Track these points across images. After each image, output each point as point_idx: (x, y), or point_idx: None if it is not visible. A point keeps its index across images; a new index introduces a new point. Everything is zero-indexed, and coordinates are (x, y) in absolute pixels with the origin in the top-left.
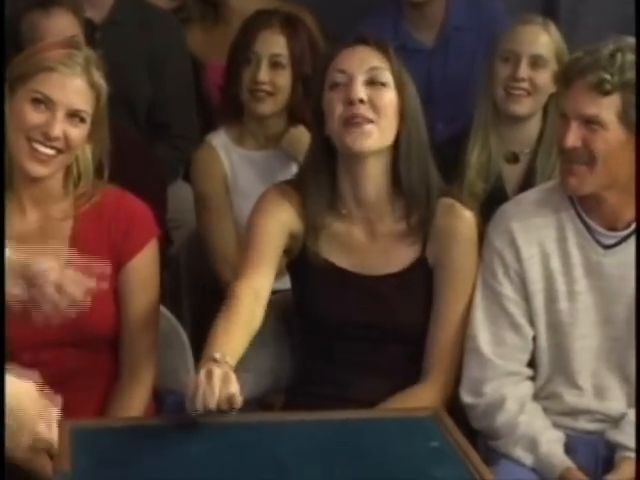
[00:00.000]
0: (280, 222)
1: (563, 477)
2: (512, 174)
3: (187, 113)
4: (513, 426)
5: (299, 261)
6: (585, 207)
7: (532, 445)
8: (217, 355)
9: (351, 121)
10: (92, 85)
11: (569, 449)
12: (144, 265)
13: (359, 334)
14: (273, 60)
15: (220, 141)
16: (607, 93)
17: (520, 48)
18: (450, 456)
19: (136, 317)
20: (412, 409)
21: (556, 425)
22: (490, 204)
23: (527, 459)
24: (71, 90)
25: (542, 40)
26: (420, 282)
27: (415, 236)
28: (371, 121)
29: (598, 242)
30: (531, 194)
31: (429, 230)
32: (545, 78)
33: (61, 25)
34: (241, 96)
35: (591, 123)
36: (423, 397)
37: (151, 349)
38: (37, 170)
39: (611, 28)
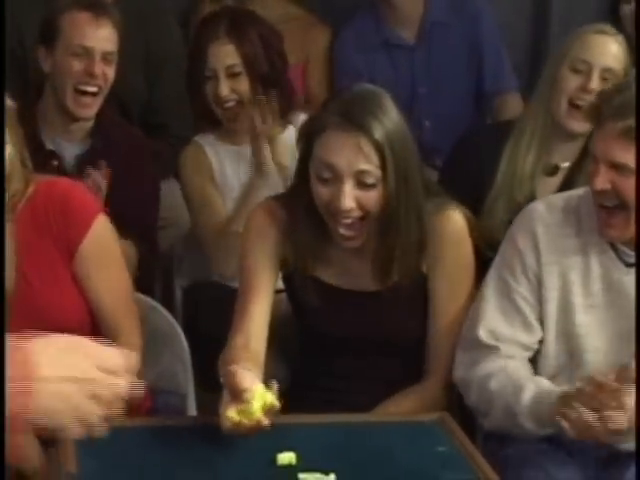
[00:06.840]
0: (268, 253)
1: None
2: (547, 186)
3: (185, 113)
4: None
5: (292, 278)
6: None
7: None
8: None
9: (341, 221)
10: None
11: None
12: (96, 244)
13: (355, 348)
14: (229, 72)
15: (207, 139)
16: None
17: (593, 59)
18: (458, 461)
19: (103, 297)
20: (418, 414)
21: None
22: None
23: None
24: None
25: (613, 51)
26: (416, 292)
27: (407, 254)
28: (360, 218)
29: (621, 260)
30: (561, 200)
31: (422, 246)
32: None
33: (105, 37)
34: (211, 109)
35: (620, 169)
36: (425, 395)
37: (132, 324)
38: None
39: None
